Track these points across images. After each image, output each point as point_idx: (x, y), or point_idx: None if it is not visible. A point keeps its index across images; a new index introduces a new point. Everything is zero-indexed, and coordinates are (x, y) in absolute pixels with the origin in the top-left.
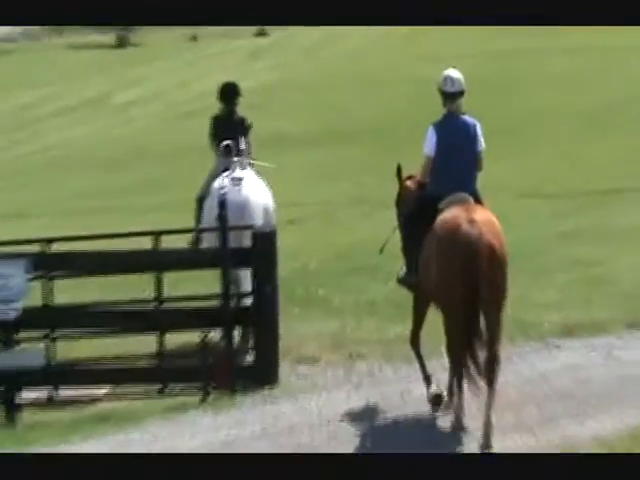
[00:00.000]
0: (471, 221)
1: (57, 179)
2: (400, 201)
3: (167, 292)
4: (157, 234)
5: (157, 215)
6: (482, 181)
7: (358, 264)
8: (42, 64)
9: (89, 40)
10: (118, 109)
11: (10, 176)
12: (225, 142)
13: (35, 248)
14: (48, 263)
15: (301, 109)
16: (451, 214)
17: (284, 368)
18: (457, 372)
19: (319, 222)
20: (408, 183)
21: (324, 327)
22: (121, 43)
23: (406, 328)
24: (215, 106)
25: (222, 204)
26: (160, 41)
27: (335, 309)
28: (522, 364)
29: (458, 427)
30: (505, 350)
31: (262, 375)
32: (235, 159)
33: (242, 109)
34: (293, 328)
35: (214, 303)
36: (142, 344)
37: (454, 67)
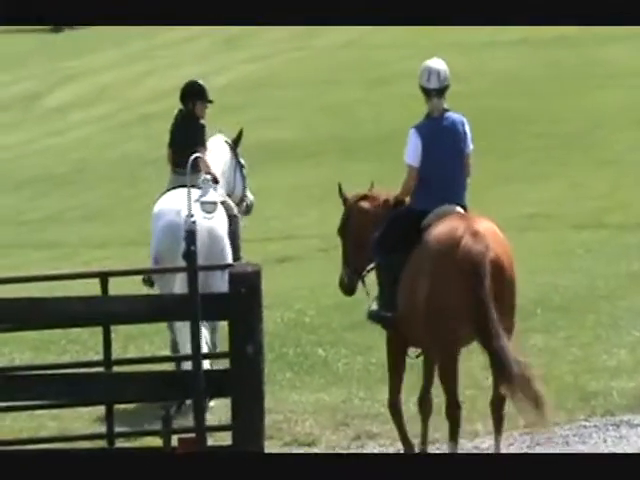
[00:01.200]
0: (474, 233)
1: None
2: (346, 227)
3: (117, 351)
4: (103, 276)
5: (100, 252)
6: (530, 208)
7: None
8: None
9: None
10: (51, 112)
11: None
12: (194, 155)
13: None
14: None
15: (292, 111)
16: (446, 226)
17: (271, 451)
18: None
19: (318, 260)
20: (364, 205)
21: (324, 398)
22: (56, 27)
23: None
24: (177, 107)
25: (191, 237)
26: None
27: (338, 374)
28: (583, 446)
29: None
30: (561, 428)
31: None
32: (207, 177)
33: (212, 114)
34: (283, 399)
35: (175, 366)
36: (84, 419)
37: (437, 57)
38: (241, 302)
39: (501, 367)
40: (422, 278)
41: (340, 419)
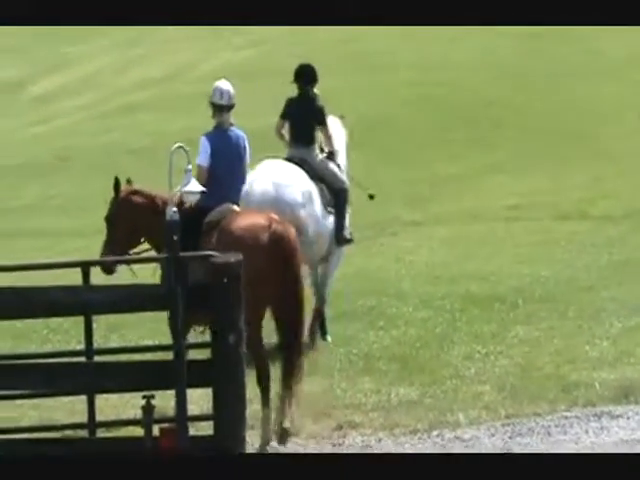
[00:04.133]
0: (278, 222)
1: None
2: (116, 216)
3: (99, 341)
4: (85, 265)
5: (82, 241)
6: (514, 199)
7: (350, 306)
8: None
9: None
10: (35, 101)
11: None
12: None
13: None
14: None
15: (280, 100)
16: (250, 218)
17: (253, 442)
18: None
19: None
20: (136, 199)
21: (306, 388)
22: None
23: (413, 390)
24: (164, 97)
25: (173, 227)
26: None
27: (321, 365)
28: (564, 437)
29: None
30: (542, 419)
31: (223, 451)
32: (188, 167)
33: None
34: None
35: (161, 356)
36: (65, 409)
37: (225, 79)
38: (223, 292)
39: (298, 342)
40: None
41: (322, 409)
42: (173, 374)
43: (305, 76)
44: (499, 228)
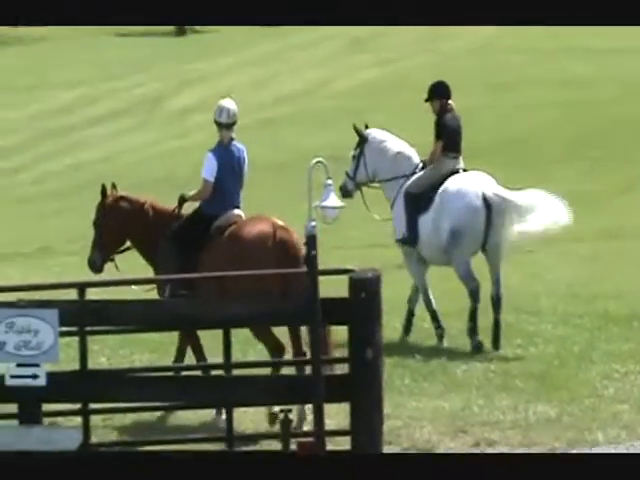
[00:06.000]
0: (282, 227)
1: (94, 205)
2: (104, 221)
3: (236, 355)
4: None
5: None
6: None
7: (488, 322)
8: (80, 55)
9: (140, 26)
10: (174, 115)
11: (34, 201)
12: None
13: (66, 295)
14: (84, 315)
15: (415, 116)
16: (257, 225)
17: None
18: None
19: (437, 267)
20: (123, 205)
21: (443, 405)
22: (180, 30)
23: (551, 407)
24: (303, 112)
25: (312, 242)
26: (229, 27)
27: (457, 381)
28: None
29: None
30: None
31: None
32: (328, 182)
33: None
34: (402, 405)
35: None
36: (201, 421)
37: (230, 97)
38: (361, 307)
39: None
40: (240, 265)
41: (459, 426)
42: (311, 388)
43: (440, 92)
44: (637, 246)
